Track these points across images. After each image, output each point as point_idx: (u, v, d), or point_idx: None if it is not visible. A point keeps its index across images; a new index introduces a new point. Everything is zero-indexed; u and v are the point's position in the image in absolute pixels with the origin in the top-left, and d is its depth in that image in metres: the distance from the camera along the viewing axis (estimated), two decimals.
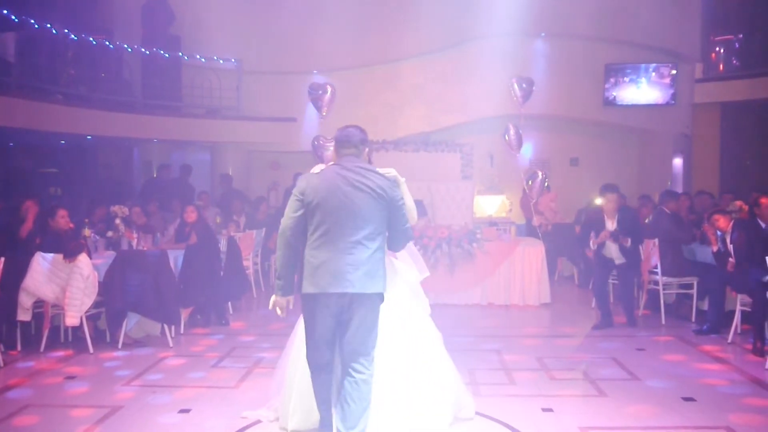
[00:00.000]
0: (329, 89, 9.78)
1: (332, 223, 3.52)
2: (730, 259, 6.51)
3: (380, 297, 3.63)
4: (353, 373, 3.59)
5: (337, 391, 3.73)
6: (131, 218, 7.76)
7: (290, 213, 3.61)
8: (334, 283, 3.49)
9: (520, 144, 9.85)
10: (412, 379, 3.98)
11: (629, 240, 7.02)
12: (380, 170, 3.68)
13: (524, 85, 9.72)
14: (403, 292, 4.05)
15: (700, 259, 7.43)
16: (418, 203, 9.24)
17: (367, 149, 3.82)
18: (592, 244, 7.19)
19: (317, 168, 3.76)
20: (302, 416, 3.97)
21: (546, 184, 10.62)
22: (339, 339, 3.66)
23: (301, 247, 3.63)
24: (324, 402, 3.80)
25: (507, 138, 9.80)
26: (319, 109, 9.83)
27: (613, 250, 7.20)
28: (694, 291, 7.31)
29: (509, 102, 10.14)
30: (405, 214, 3.68)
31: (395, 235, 3.71)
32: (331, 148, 9.24)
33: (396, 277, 4.03)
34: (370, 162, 3.94)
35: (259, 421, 4.33)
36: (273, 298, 3.75)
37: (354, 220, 3.51)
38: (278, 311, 3.75)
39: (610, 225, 7.17)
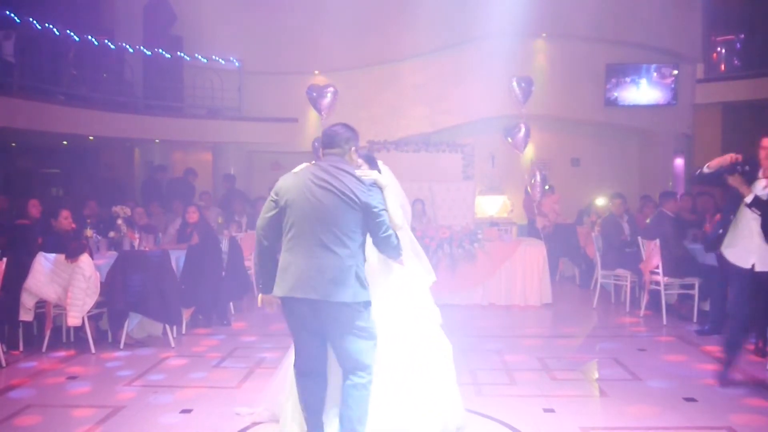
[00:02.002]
0: (329, 93, 9.74)
1: (300, 225, 3.38)
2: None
3: (358, 306, 3.38)
4: (351, 377, 3.45)
5: (330, 399, 3.65)
6: (133, 218, 7.78)
7: (263, 213, 3.55)
8: (297, 288, 3.34)
9: (525, 144, 9.85)
10: (407, 390, 3.77)
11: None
12: (359, 172, 3.47)
13: (523, 84, 9.73)
14: (404, 301, 3.84)
15: (702, 259, 7.43)
16: (419, 202, 9.34)
17: (353, 148, 3.59)
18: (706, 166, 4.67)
19: (299, 167, 3.63)
20: (300, 422, 3.83)
21: (547, 186, 10.62)
22: (331, 348, 3.52)
23: (276, 247, 3.54)
24: (308, 408, 3.62)
25: (514, 138, 9.74)
26: (318, 110, 9.82)
27: (753, 247, 4.77)
28: (696, 292, 7.30)
29: (510, 102, 10.14)
30: (383, 221, 3.40)
31: (375, 242, 3.49)
32: None
33: (397, 284, 3.84)
34: (358, 161, 3.71)
35: (256, 423, 4.33)
36: (259, 295, 3.72)
37: (321, 223, 3.34)
38: (267, 308, 3.69)
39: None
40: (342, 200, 3.36)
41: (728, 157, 4.61)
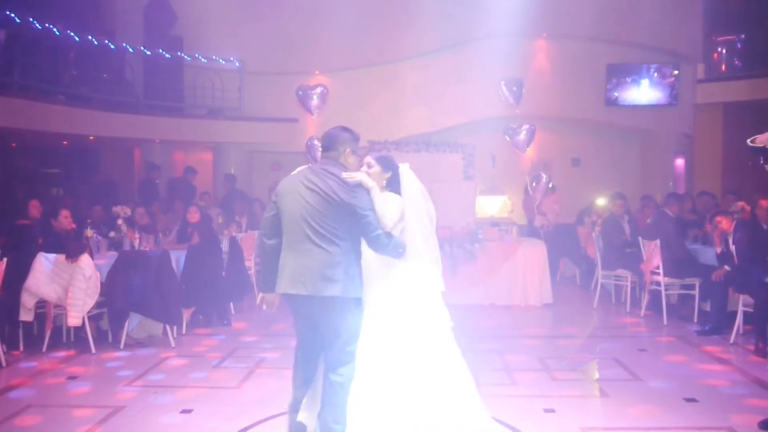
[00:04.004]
0: (315, 94, 9.70)
1: (293, 225, 3.57)
2: (726, 267, 6.53)
3: (347, 301, 3.52)
4: (330, 375, 3.60)
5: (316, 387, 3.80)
6: (134, 218, 7.78)
7: (265, 214, 3.78)
8: (291, 284, 3.55)
9: (528, 144, 9.83)
10: (403, 392, 3.68)
11: None
12: (345, 175, 3.55)
13: (514, 88, 9.72)
14: (405, 300, 3.78)
15: (703, 260, 7.43)
16: None
17: (348, 150, 3.68)
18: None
19: (297, 170, 3.76)
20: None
21: (550, 185, 10.61)
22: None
23: (277, 246, 3.68)
24: (297, 389, 3.81)
25: (513, 138, 9.70)
26: (309, 111, 9.81)
27: None
28: (696, 292, 7.29)
29: (510, 102, 10.14)
30: (370, 222, 3.51)
31: (367, 242, 3.60)
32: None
33: (398, 283, 3.78)
34: (357, 162, 3.77)
35: (260, 422, 4.34)
36: (260, 294, 3.87)
37: (309, 222, 3.52)
38: (264, 307, 3.85)
39: None
40: (326, 201, 3.52)
41: None
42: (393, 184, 3.85)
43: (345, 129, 3.77)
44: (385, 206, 3.60)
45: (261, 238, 3.77)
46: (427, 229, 3.93)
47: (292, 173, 3.75)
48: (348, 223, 3.53)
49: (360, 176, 3.59)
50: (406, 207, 3.80)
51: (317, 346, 3.73)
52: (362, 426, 3.63)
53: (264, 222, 3.75)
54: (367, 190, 3.57)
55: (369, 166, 3.78)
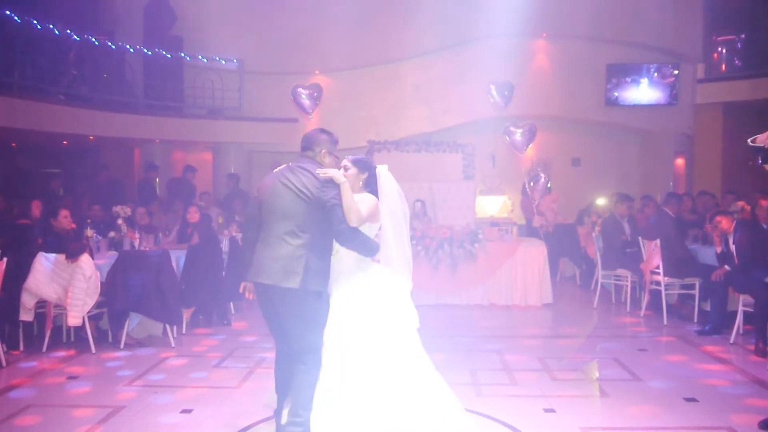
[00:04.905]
0: (305, 94, 9.67)
1: (268, 219, 3.80)
2: (726, 266, 6.53)
3: (306, 293, 3.67)
4: (297, 364, 3.76)
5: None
6: (134, 218, 7.78)
7: (248, 209, 4.10)
8: (257, 274, 3.76)
9: (527, 145, 9.83)
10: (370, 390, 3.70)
11: None
12: (319, 170, 3.73)
13: (506, 92, 9.74)
14: (374, 300, 3.81)
15: (703, 260, 7.43)
16: (419, 202, 9.33)
17: (323, 151, 3.87)
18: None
19: (278, 168, 3.93)
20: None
21: (549, 185, 10.62)
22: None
23: (254, 240, 3.90)
24: (278, 393, 3.94)
25: (516, 138, 9.70)
26: (303, 110, 9.82)
27: None
28: (696, 292, 7.30)
29: (510, 102, 10.16)
30: (338, 215, 3.66)
31: (333, 235, 3.76)
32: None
33: (368, 282, 3.83)
34: (332, 162, 3.90)
35: (260, 421, 4.34)
36: (242, 283, 4.08)
37: (279, 216, 3.74)
38: (246, 294, 4.06)
39: None
40: (297, 196, 3.72)
41: None
42: (370, 185, 3.96)
43: (323, 131, 3.97)
44: (354, 204, 3.69)
45: (244, 231, 4.09)
46: (402, 229, 4.03)
47: (274, 170, 3.92)
48: (317, 218, 3.70)
49: (332, 172, 3.73)
50: (382, 207, 3.89)
51: (284, 344, 3.90)
52: (328, 424, 3.65)
53: (247, 216, 4.09)
54: (337, 186, 3.70)
55: (346, 169, 3.88)
